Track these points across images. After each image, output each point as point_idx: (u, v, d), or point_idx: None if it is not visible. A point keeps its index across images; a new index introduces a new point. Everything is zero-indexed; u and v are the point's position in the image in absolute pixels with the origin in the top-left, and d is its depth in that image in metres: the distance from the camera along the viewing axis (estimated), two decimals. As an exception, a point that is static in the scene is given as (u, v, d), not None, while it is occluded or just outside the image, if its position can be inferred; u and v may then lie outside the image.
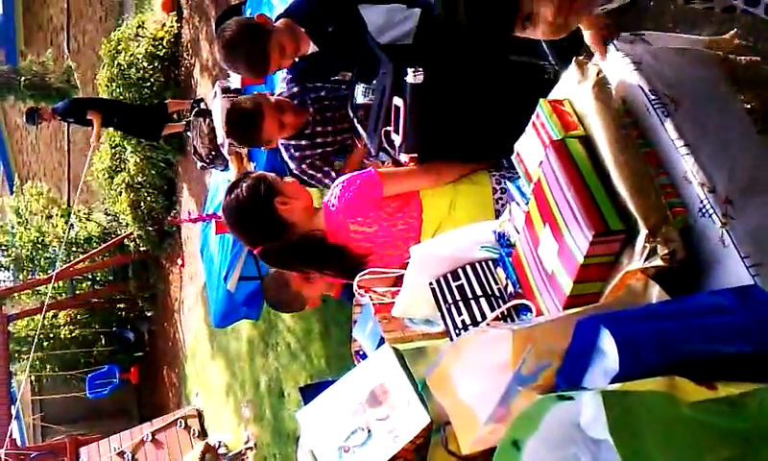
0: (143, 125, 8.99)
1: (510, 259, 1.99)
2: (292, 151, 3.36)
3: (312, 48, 3.19)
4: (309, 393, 2.65)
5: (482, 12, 1.57)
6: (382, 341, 2.42)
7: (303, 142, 3.34)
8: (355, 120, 2.89)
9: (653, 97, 1.65)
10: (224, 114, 3.41)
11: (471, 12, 1.58)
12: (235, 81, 5.52)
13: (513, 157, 2.00)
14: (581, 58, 1.81)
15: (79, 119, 8.75)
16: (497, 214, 2.51)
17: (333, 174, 3.33)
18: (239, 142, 3.72)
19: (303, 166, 3.35)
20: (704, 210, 1.55)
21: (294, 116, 3.28)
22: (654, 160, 1.64)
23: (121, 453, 9.49)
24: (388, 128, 2.58)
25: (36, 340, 10.62)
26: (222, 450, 8.05)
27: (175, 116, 9.06)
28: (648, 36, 1.85)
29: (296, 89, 3.34)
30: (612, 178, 1.62)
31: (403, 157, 2.61)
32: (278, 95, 3.38)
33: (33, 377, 13.55)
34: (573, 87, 1.80)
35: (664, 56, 1.75)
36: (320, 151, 3.35)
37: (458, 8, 1.58)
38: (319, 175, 3.37)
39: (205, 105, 7.34)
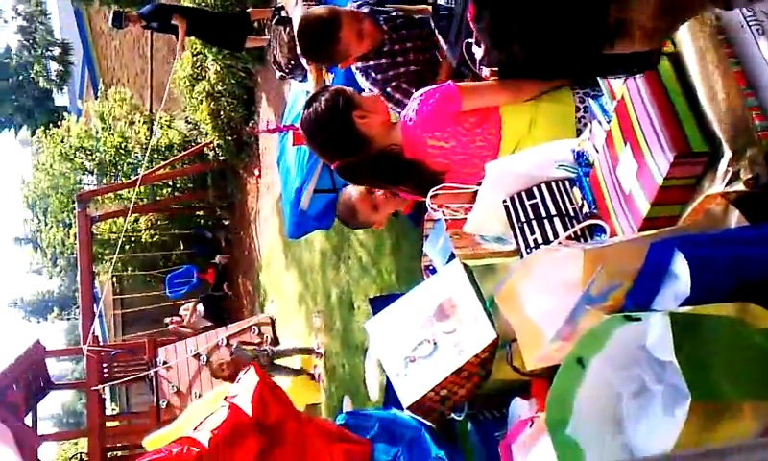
0: (226, 34, 9.03)
1: (587, 179, 1.96)
2: (373, 75, 3.21)
3: None
4: (379, 304, 2.69)
5: (549, 44, 1.20)
6: (452, 257, 2.42)
7: (384, 61, 3.20)
8: (437, 31, 2.83)
9: (749, 14, 1.57)
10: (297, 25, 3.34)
11: (533, 45, 1.21)
12: (317, -13, 5.47)
13: (597, 74, 1.94)
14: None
15: (163, 25, 8.83)
16: (578, 134, 2.45)
17: None
18: (313, 57, 3.53)
19: (389, 89, 3.20)
20: (793, 135, 1.49)
21: (372, 26, 3.15)
22: (743, 80, 1.57)
23: (197, 355, 9.85)
24: (470, 40, 2.52)
25: (119, 242, 10.97)
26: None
27: (256, 25, 9.06)
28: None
29: (365, 10, 3.23)
30: (699, 97, 1.57)
31: (485, 72, 2.56)
32: None
33: (114, 278, 14.10)
34: (664, 3, 1.73)
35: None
36: (403, 70, 3.21)
37: (512, 42, 1.23)
38: (406, 100, 3.08)
39: (286, 13, 7.32)
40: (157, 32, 9.75)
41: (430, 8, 3.17)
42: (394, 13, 3.25)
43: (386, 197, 3.19)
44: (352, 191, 3.29)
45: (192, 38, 9.75)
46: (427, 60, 3.22)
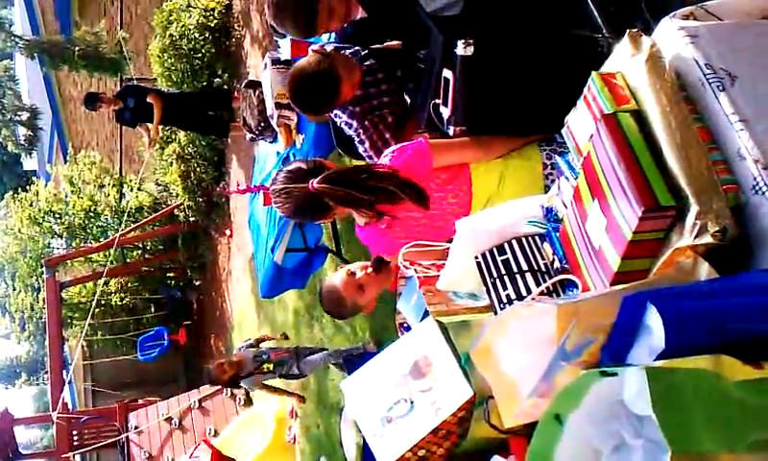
0: (208, 120, 8.94)
1: (557, 234, 1.98)
2: (350, 108, 3.13)
3: (361, 13, 3.13)
4: (353, 363, 2.67)
5: None
6: (426, 314, 2.41)
7: (359, 92, 3.12)
8: (404, 92, 2.87)
9: (708, 71, 1.61)
10: (273, 86, 3.30)
11: None
12: (285, 51, 5.52)
13: (563, 131, 1.97)
14: (634, 31, 1.77)
15: (138, 104, 8.62)
16: (546, 189, 2.48)
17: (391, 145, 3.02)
18: (313, 111, 3.32)
19: (366, 123, 3.09)
20: (757, 187, 1.51)
21: (360, 71, 3.09)
22: (707, 136, 1.60)
23: (168, 419, 9.67)
24: (437, 101, 2.56)
25: (91, 306, 10.81)
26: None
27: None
28: (709, 6, 1.80)
29: (330, 49, 3.14)
30: (664, 153, 1.59)
31: (451, 131, 2.59)
32: None
33: (84, 344, 13.87)
34: (626, 61, 1.77)
35: (724, 29, 1.70)
36: (376, 102, 3.11)
37: None
38: (379, 142, 3.06)
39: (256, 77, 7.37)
40: (130, 126, 9.58)
41: (398, 43, 3.17)
42: (357, 48, 3.21)
43: (369, 276, 3.09)
44: (334, 279, 3.19)
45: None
46: (400, 96, 3.15)
